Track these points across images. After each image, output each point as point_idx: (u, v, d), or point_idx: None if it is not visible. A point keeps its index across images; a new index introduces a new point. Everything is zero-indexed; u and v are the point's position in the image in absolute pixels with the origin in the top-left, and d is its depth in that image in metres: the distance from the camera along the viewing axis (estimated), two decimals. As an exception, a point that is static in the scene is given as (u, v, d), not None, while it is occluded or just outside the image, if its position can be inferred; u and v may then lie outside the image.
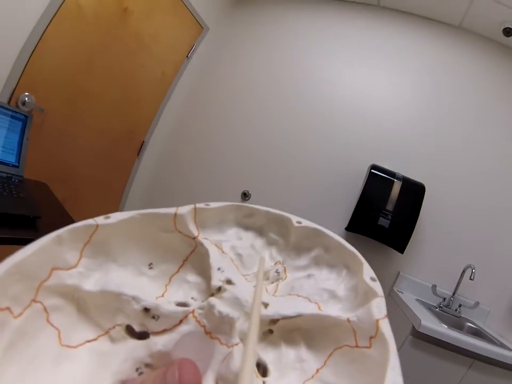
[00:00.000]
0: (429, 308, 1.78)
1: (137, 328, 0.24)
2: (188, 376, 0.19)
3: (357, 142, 2.07)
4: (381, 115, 2.06)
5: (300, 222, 0.36)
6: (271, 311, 0.26)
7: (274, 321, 0.26)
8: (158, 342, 0.22)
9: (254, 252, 0.35)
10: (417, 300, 1.88)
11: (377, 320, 0.23)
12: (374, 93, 2.08)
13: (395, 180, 1.85)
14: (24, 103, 1.37)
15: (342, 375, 0.23)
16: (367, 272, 0.29)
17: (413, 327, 1.48)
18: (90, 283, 0.24)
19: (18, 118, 1.22)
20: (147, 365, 0.22)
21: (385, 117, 2.06)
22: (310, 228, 0.36)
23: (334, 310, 0.27)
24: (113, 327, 0.23)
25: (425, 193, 1.84)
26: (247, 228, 0.37)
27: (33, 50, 1.33)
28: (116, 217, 0.26)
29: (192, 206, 0.32)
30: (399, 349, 1.41)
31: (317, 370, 0.24)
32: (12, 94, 1.34)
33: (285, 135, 2.12)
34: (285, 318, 0.26)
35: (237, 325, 0.24)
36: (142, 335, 0.23)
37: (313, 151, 2.09)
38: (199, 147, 2.20)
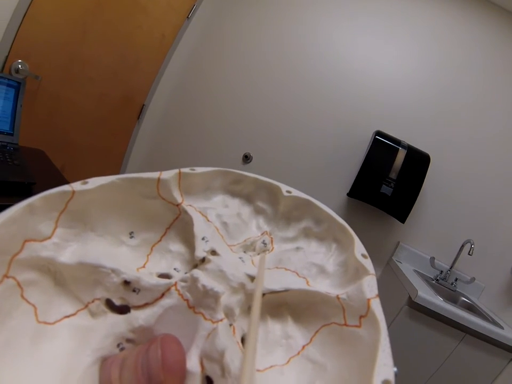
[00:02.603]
0: (426, 279, 1.80)
1: (117, 302, 0.23)
2: (171, 353, 0.18)
3: (362, 107, 1.99)
4: (387, 82, 1.97)
5: (289, 192, 0.35)
6: None
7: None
8: (139, 317, 0.22)
9: (241, 220, 0.34)
10: (415, 270, 1.89)
11: (368, 300, 0.22)
12: (381, 59, 1.98)
13: (400, 148, 1.80)
14: (17, 70, 1.36)
15: (329, 354, 0.22)
16: (359, 248, 0.28)
17: (409, 297, 1.50)
18: (67, 255, 0.22)
19: (11, 85, 1.21)
20: (128, 340, 0.21)
21: (392, 84, 1.97)
22: (301, 198, 0.34)
23: (323, 286, 0.27)
24: (93, 301, 0.22)
25: (430, 163, 1.78)
26: (233, 194, 0.36)
27: (24, 15, 1.29)
28: (94, 182, 0.25)
29: (177, 170, 0.31)
30: (394, 318, 1.49)
31: (303, 347, 0.24)
32: (5, 62, 1.33)
33: (288, 98, 2.06)
34: (272, 292, 0.25)
35: (222, 300, 0.23)
36: (123, 309, 0.23)
37: (317, 114, 2.03)
38: (200, 109, 2.17)
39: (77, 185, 0.24)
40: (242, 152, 2.14)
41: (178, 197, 0.30)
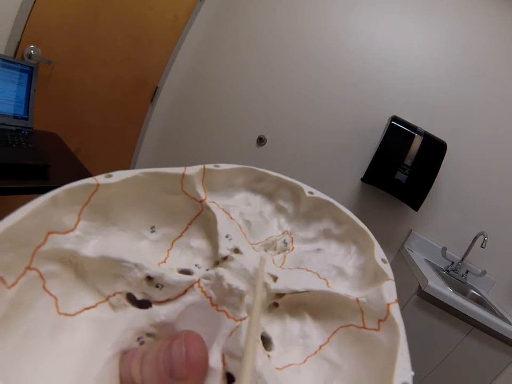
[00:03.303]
0: (437, 269, 1.77)
1: (138, 297, 0.23)
2: (195, 350, 0.18)
3: (379, 92, 1.92)
4: (407, 67, 1.88)
5: (311, 193, 0.35)
6: (280, 285, 0.26)
7: (280, 294, 0.26)
8: (161, 312, 0.22)
9: (262, 219, 0.34)
10: (426, 260, 1.86)
11: (388, 304, 0.23)
12: (403, 44, 1.88)
13: (416, 135, 1.73)
14: (30, 56, 1.39)
15: (347, 355, 0.23)
16: (378, 253, 0.28)
17: (419, 286, 1.49)
18: (89, 248, 0.22)
19: (24, 70, 1.25)
20: (149, 334, 0.21)
21: (412, 69, 1.88)
22: (322, 199, 0.34)
23: (342, 288, 0.27)
24: (114, 295, 0.22)
25: (447, 152, 1.70)
26: (255, 192, 0.36)
27: (35, 0, 1.30)
28: (118, 176, 0.25)
29: (201, 166, 0.31)
30: (403, 307, 1.49)
31: (320, 347, 0.24)
32: (17, 48, 1.35)
33: (303, 80, 2.01)
34: (294, 293, 0.26)
35: (245, 299, 0.23)
36: (144, 304, 0.23)
37: (333, 97, 1.98)
38: (214, 91, 2.16)
39: (101, 178, 0.24)
40: (257, 134, 2.13)
41: (201, 193, 0.30)
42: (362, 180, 1.84)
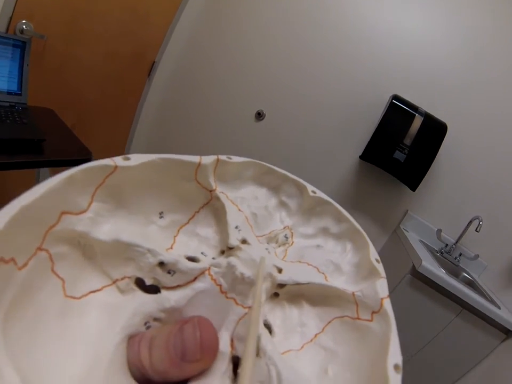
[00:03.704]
0: (431, 251, 1.77)
1: (148, 282, 0.23)
2: (208, 334, 0.19)
3: (381, 69, 1.85)
4: (411, 45, 1.81)
5: (314, 192, 0.36)
6: (285, 277, 0.27)
7: (281, 285, 0.27)
8: (171, 298, 0.22)
9: (267, 213, 0.35)
10: (421, 241, 1.87)
11: (382, 299, 0.24)
12: (408, 23, 1.81)
13: (416, 115, 1.69)
14: (22, 31, 1.38)
15: (341, 341, 0.24)
16: (373, 253, 0.29)
17: (413, 266, 1.50)
18: (101, 230, 0.22)
19: (16, 45, 1.24)
20: (156, 319, 0.21)
21: (416, 48, 1.81)
22: (323, 199, 0.36)
23: (339, 282, 0.28)
24: (122, 279, 0.22)
25: (447, 133, 1.67)
26: (262, 185, 0.37)
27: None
28: (136, 159, 0.24)
29: (215, 157, 0.31)
30: (396, 286, 1.54)
31: (315, 335, 0.25)
32: (9, 23, 1.34)
33: (303, 54, 1.95)
34: (296, 284, 0.27)
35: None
36: (152, 290, 0.23)
37: (335, 72, 1.93)
38: (213, 64, 2.12)
39: (119, 160, 0.23)
40: (255, 109, 2.10)
41: (212, 183, 0.30)
42: (360, 157, 1.82)
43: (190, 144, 2.30)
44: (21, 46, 1.25)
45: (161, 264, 0.23)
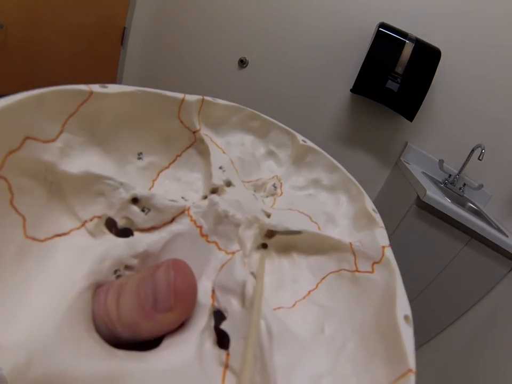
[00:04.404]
0: (434, 182, 1.71)
1: (120, 222, 0.20)
2: (184, 277, 0.16)
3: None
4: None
5: (304, 141, 0.35)
6: (274, 221, 0.25)
7: (270, 235, 0.25)
8: (144, 241, 0.19)
9: (254, 160, 0.33)
10: (423, 173, 1.80)
11: (383, 247, 0.22)
12: None
13: (406, 41, 1.62)
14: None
15: (338, 297, 0.22)
16: (369, 203, 0.28)
17: (418, 197, 1.44)
18: (70, 163, 0.19)
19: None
20: (127, 267, 0.18)
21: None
22: (313, 149, 0.34)
23: (334, 233, 0.26)
24: (91, 220, 0.19)
25: (441, 60, 1.60)
26: (249, 132, 0.35)
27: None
28: (114, 88, 0.22)
29: (200, 96, 0.29)
30: (402, 218, 1.47)
31: (309, 292, 0.23)
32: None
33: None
34: (288, 232, 0.25)
35: (240, 230, 0.22)
36: (125, 233, 0.20)
37: (315, 9, 1.83)
38: (188, 19, 2.00)
39: (95, 87, 0.21)
40: (238, 57, 2.00)
41: (196, 124, 0.29)
42: (351, 90, 1.75)
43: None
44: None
45: (135, 200, 0.21)
